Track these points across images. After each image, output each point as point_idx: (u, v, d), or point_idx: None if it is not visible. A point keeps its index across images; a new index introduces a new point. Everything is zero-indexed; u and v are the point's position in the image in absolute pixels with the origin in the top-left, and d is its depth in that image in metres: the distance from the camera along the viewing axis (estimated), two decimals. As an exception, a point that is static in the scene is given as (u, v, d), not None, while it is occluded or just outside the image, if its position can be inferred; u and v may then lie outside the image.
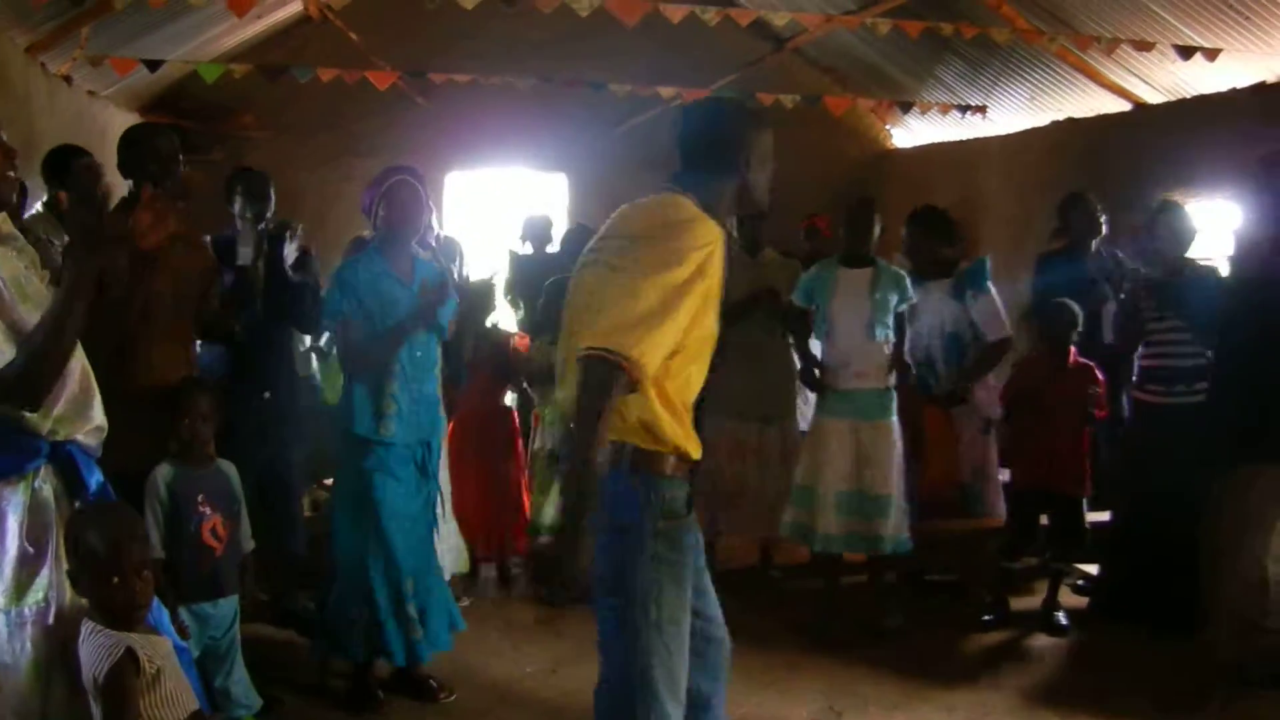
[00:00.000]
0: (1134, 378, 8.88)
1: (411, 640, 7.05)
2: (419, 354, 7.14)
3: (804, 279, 8.90)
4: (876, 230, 8.78)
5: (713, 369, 4.90)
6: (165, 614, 4.68)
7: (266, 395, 8.22)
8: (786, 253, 10.67)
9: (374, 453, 6.99)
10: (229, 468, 6.51)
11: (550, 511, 9.46)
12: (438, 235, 10.29)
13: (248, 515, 6.60)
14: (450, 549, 8.56)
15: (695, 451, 4.76)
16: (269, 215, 8.47)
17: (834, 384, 8.61)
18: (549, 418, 9.37)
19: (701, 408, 4.88)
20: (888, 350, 8.58)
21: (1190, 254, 8.65)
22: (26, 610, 4.28)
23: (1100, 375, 8.69)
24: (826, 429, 8.61)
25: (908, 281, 8.72)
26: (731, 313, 8.90)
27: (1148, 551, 8.48)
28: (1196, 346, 8.33)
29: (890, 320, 8.58)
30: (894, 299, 8.58)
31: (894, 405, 8.64)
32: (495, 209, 17.58)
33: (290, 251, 8.14)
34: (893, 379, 8.64)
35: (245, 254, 8.04)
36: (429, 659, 7.23)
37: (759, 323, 9.45)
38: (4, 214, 4.52)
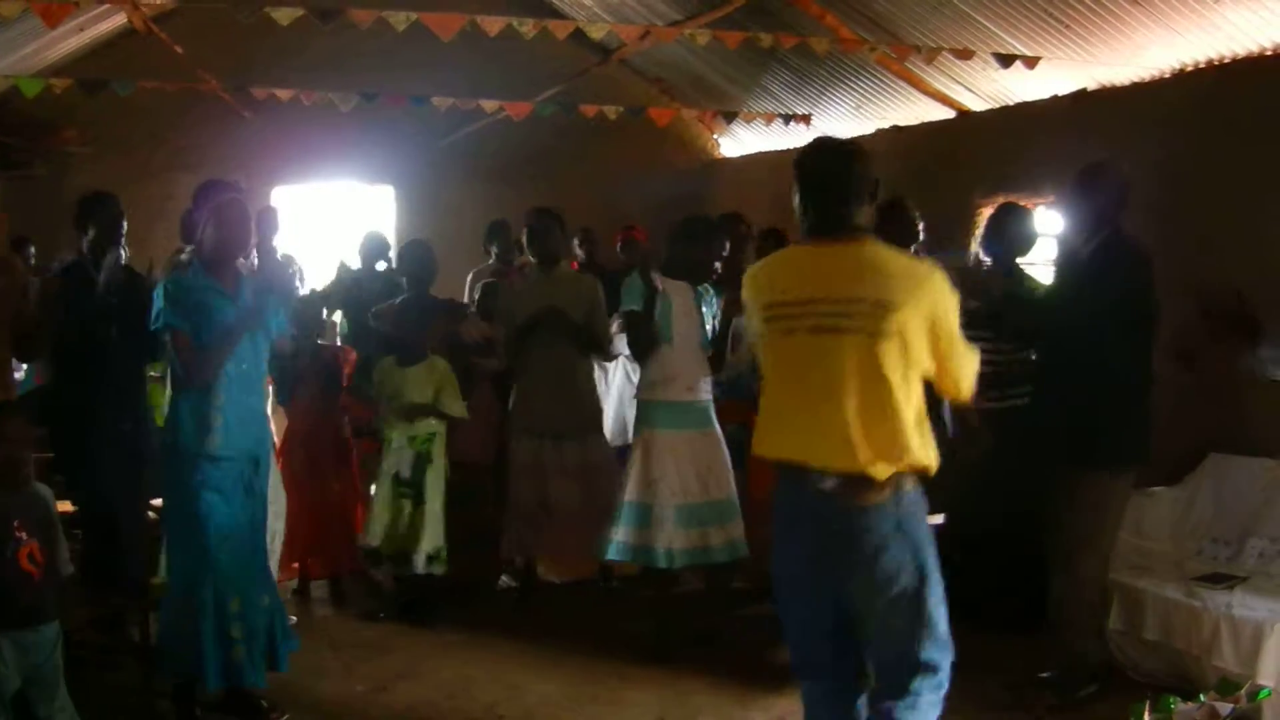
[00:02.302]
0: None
1: (233, 661, 6.93)
2: (245, 366, 7.03)
3: (630, 287, 8.77)
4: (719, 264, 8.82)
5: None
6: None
7: (124, 428, 8.10)
8: (598, 265, 10.68)
9: (200, 468, 6.88)
10: (45, 492, 6.38)
11: (378, 531, 9.18)
12: (278, 253, 10.26)
13: (64, 540, 6.49)
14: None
15: None
16: (121, 243, 8.38)
17: (663, 396, 8.58)
18: (396, 443, 9.23)
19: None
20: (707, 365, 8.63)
21: (1027, 258, 8.78)
22: None
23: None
24: (657, 442, 8.55)
25: (713, 297, 8.81)
26: (519, 332, 8.93)
27: (985, 552, 8.53)
28: (1022, 353, 8.42)
29: (709, 332, 8.63)
30: (709, 313, 8.63)
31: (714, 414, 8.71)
32: (324, 223, 17.52)
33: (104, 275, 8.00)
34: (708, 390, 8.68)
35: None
36: (251, 681, 7.08)
37: (552, 340, 9.37)
38: None
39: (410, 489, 9.14)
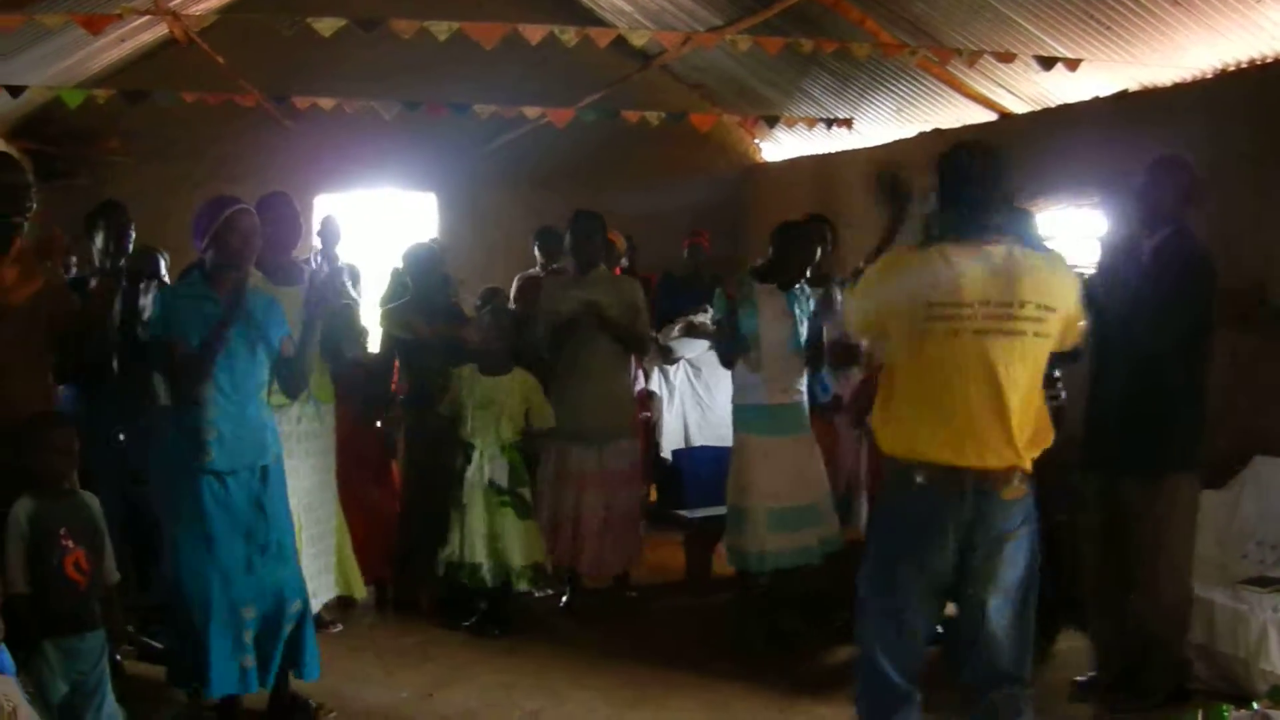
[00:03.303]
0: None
1: (243, 669, 6.90)
2: (239, 378, 6.96)
3: (720, 302, 8.81)
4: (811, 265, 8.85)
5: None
6: (5, 652, 4.63)
7: (122, 438, 8.11)
8: (633, 270, 10.68)
9: (197, 484, 6.84)
10: (90, 499, 6.39)
11: (482, 549, 9.08)
12: (340, 264, 10.25)
13: (111, 547, 6.50)
14: (322, 571, 8.50)
15: None
16: (128, 252, 8.40)
17: (760, 400, 8.61)
18: (489, 452, 9.19)
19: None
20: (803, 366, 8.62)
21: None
22: None
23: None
24: (752, 447, 8.61)
25: (809, 297, 8.80)
26: (559, 330, 8.92)
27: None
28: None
29: (804, 335, 8.63)
30: (804, 315, 8.63)
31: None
32: (367, 230, 17.53)
33: (146, 303, 7.99)
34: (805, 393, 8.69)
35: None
36: (257, 689, 7.01)
37: (590, 343, 9.40)
38: None
39: (512, 498, 9.09)
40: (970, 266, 5.23)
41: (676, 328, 10.25)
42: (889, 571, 5.41)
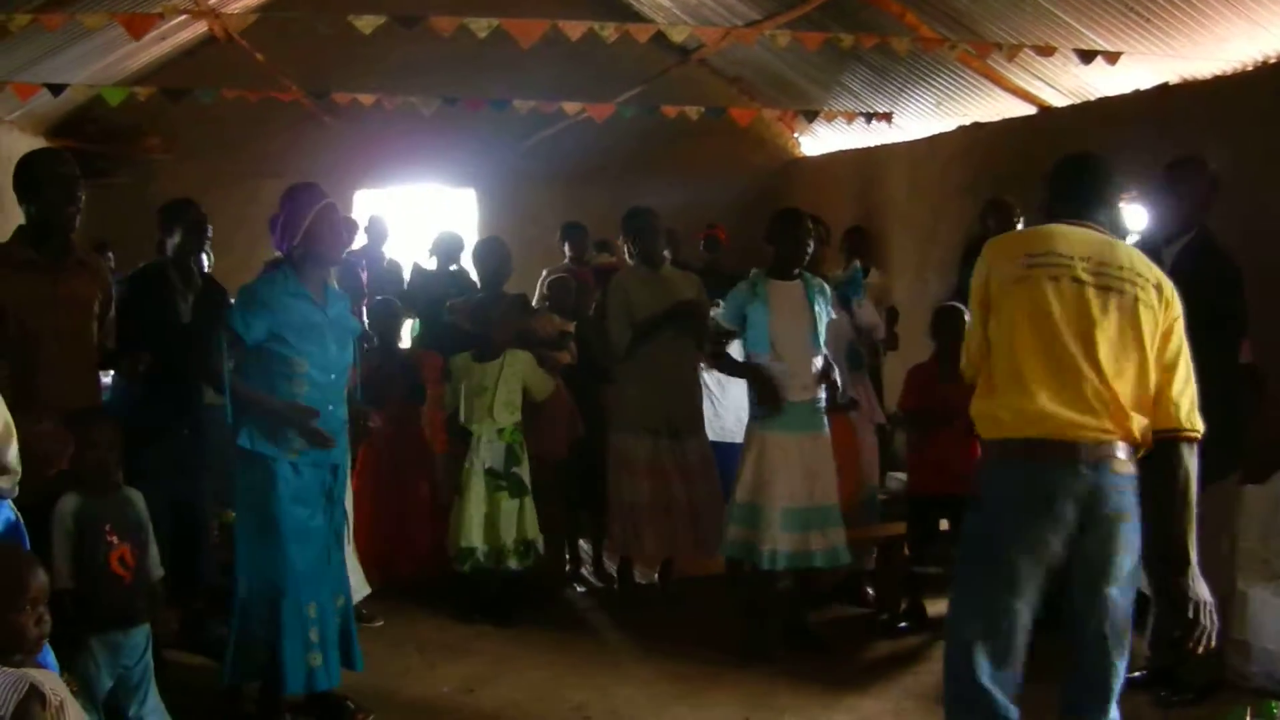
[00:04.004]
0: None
1: (310, 666, 6.90)
2: (333, 376, 6.99)
3: (734, 296, 8.71)
4: (811, 244, 8.79)
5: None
6: (48, 649, 4.65)
7: (186, 431, 8.12)
8: (683, 265, 10.69)
9: (280, 476, 6.83)
10: (135, 495, 6.41)
11: (478, 534, 9.13)
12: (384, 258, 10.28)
13: (156, 543, 6.52)
14: (352, 571, 8.55)
15: None
16: (206, 249, 8.45)
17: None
18: (486, 437, 9.22)
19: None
20: (820, 362, 8.60)
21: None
22: None
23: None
24: (770, 444, 8.52)
25: (829, 292, 8.76)
26: (645, 328, 8.91)
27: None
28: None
29: (824, 331, 8.60)
30: (824, 310, 8.60)
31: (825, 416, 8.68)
32: (407, 225, 17.59)
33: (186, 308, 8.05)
34: (823, 391, 8.65)
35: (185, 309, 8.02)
36: (325, 685, 7.03)
37: (666, 338, 9.42)
38: None
39: (506, 481, 9.11)
40: (1071, 229, 5.27)
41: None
42: (996, 557, 5.23)
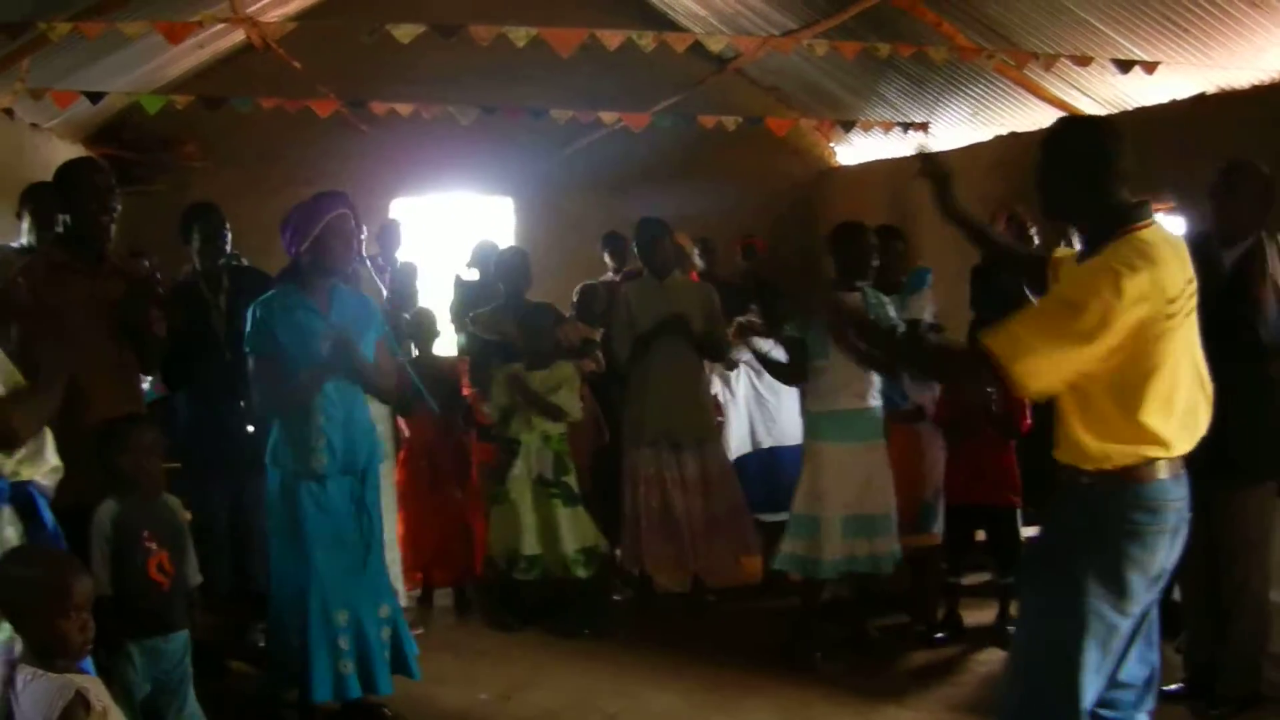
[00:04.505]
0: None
1: (339, 674, 6.93)
2: (343, 384, 6.99)
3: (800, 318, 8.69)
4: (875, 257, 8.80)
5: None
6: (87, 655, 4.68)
7: (232, 439, 8.15)
8: (714, 275, 10.67)
9: (303, 488, 6.89)
10: (173, 502, 6.44)
11: (536, 541, 9.16)
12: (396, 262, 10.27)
13: (194, 549, 6.55)
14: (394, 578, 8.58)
15: None
16: (227, 251, 8.47)
17: (834, 406, 8.54)
18: (535, 445, 9.21)
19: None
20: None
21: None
22: None
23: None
24: (826, 454, 8.53)
25: (889, 304, 8.76)
26: (642, 340, 8.91)
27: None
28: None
29: None
30: (882, 322, 8.59)
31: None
32: (443, 234, 17.60)
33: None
34: (880, 399, 8.66)
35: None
36: (356, 694, 7.04)
37: (670, 350, 9.43)
38: None
39: (558, 489, 9.12)
40: (1174, 244, 5.08)
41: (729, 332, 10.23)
42: (1116, 580, 4.96)
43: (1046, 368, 4.69)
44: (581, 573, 9.16)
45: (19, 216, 8.49)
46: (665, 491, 9.51)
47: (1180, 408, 4.93)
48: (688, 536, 9.51)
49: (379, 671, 7.08)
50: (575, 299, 10.96)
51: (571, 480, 9.24)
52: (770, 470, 10.41)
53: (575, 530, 9.12)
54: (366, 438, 7.14)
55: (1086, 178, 5.00)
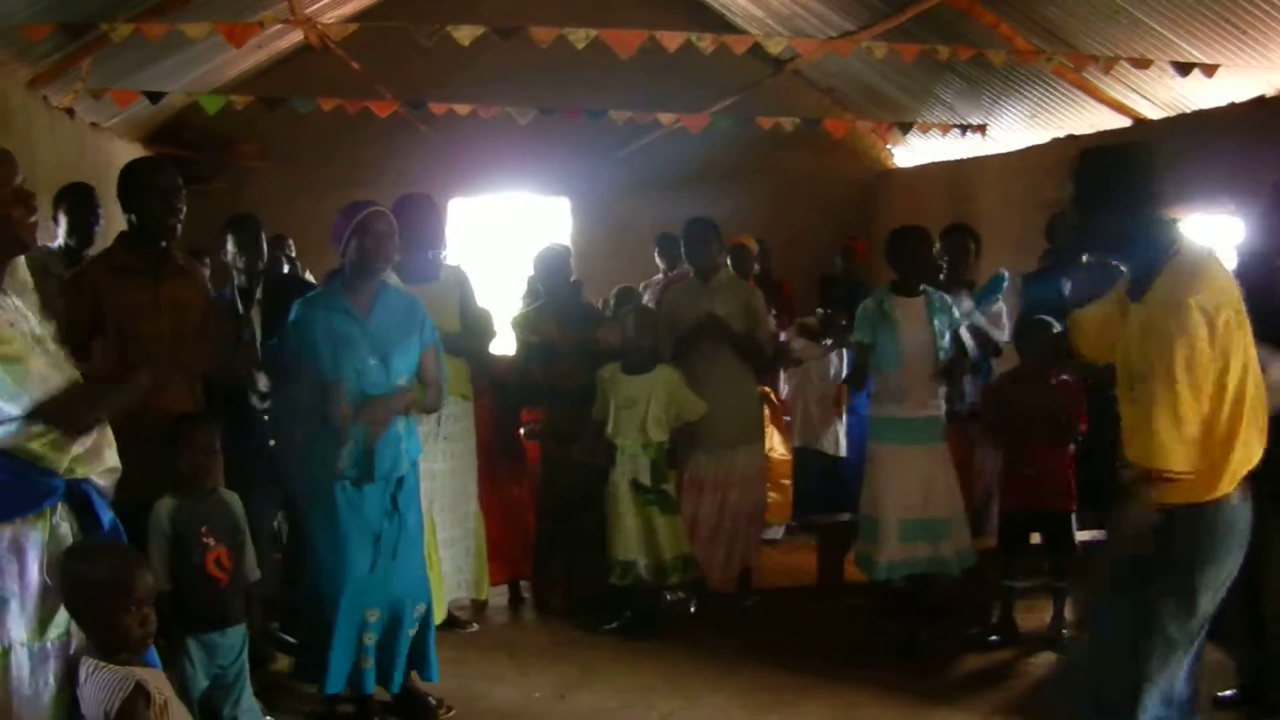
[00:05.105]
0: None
1: (361, 670, 7.00)
2: (376, 393, 6.93)
3: (864, 312, 8.70)
4: (935, 260, 8.85)
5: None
6: (152, 648, 4.71)
7: (273, 443, 8.18)
8: (766, 275, 10.66)
9: (333, 493, 6.91)
10: (232, 498, 6.49)
11: (636, 547, 9.07)
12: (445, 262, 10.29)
13: (253, 546, 6.60)
14: (456, 570, 8.60)
15: None
16: (261, 262, 8.51)
17: (897, 413, 8.57)
18: (630, 451, 9.11)
19: None
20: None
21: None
22: (49, 645, 4.38)
23: (1082, 392, 8.65)
24: (886, 457, 8.59)
25: (954, 308, 8.80)
26: (680, 346, 8.91)
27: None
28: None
29: (944, 348, 8.61)
30: (945, 325, 8.60)
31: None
32: (500, 234, 17.65)
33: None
34: (943, 404, 8.71)
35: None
36: (370, 690, 7.11)
37: (711, 353, 9.37)
38: (22, 262, 4.64)
39: (655, 496, 9.07)
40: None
41: (789, 331, 10.25)
42: (1195, 598, 5.18)
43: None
44: (676, 579, 9.18)
45: (54, 219, 8.57)
46: (718, 493, 9.50)
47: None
48: (733, 537, 9.51)
49: (397, 668, 7.18)
50: (613, 300, 10.95)
51: (670, 489, 9.20)
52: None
53: (672, 537, 9.10)
54: (393, 447, 7.06)
55: (1127, 207, 5.07)
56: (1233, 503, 5.19)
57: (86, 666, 4.30)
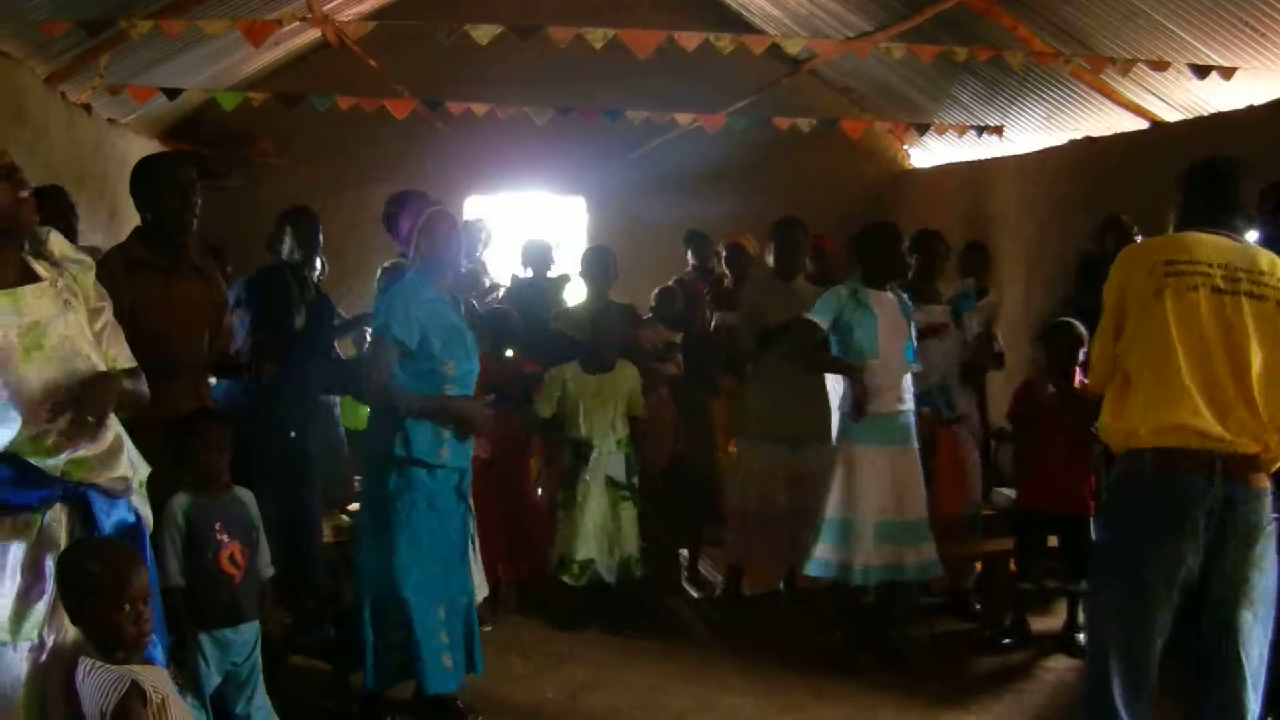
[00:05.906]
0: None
1: (446, 669, 6.98)
2: (467, 378, 7.10)
3: (830, 300, 8.55)
4: (903, 259, 8.83)
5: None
6: (157, 645, 4.71)
7: (293, 434, 8.19)
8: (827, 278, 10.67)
9: (418, 478, 6.91)
10: (246, 495, 6.52)
11: (595, 545, 9.16)
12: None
13: (267, 542, 6.60)
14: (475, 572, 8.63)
15: None
16: (318, 255, 8.52)
17: (874, 410, 8.44)
18: (606, 448, 9.21)
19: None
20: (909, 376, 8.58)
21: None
22: (22, 645, 4.36)
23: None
24: (860, 458, 8.45)
25: (912, 306, 8.80)
26: (767, 338, 8.89)
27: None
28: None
29: (914, 344, 8.59)
30: (912, 324, 8.59)
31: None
32: (516, 233, 17.66)
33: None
34: (912, 403, 8.64)
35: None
36: (449, 686, 7.10)
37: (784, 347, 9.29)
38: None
39: (629, 490, 9.20)
40: (1208, 238, 5.26)
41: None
42: (1133, 572, 5.18)
43: None
44: (638, 572, 9.27)
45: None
46: (772, 488, 9.54)
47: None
48: (787, 534, 9.42)
49: (459, 665, 7.16)
50: (653, 302, 10.94)
51: (637, 482, 9.32)
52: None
53: (634, 535, 9.23)
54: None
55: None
56: (1132, 470, 5.26)
57: (84, 666, 4.31)
